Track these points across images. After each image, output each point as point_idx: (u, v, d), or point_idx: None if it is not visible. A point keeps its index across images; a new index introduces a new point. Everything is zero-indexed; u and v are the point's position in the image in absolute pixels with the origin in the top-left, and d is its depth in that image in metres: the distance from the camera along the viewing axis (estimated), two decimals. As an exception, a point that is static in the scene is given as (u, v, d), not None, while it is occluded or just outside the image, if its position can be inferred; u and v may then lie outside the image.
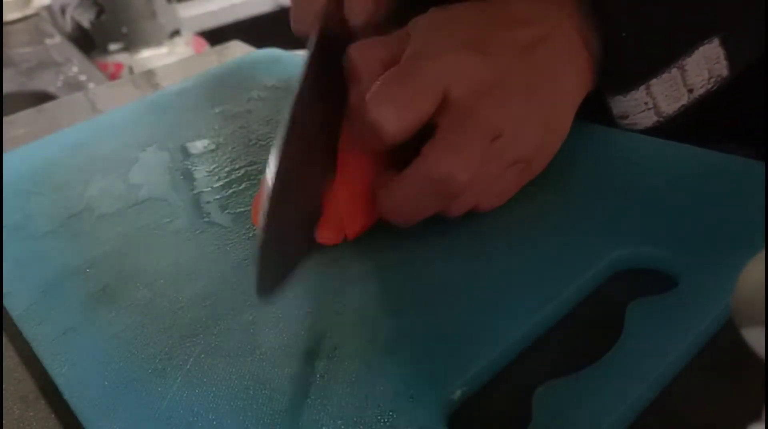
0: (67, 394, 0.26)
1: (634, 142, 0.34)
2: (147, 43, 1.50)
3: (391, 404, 0.23)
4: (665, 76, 0.32)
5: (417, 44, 0.29)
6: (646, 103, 0.32)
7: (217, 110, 0.47)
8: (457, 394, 0.23)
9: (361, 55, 0.30)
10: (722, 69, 0.32)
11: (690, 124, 0.33)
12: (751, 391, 0.22)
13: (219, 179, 0.39)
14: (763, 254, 0.15)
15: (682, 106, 0.33)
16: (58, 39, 1.20)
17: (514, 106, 0.29)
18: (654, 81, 0.32)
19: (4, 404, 0.29)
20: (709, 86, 0.33)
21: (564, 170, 0.32)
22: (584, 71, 0.32)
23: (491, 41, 0.30)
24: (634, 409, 0.22)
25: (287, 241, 0.26)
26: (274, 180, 0.24)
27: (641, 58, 0.31)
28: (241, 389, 0.25)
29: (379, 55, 0.30)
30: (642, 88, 0.32)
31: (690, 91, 0.33)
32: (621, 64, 0.32)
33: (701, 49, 0.31)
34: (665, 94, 0.32)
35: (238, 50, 0.65)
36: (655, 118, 0.33)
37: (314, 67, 0.29)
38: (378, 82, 0.28)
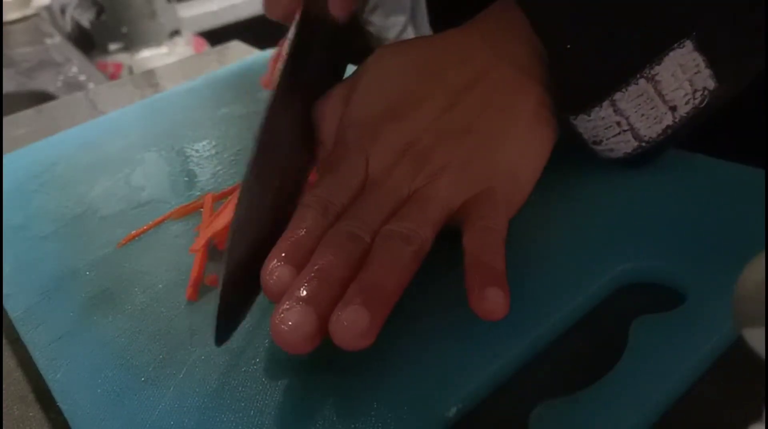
0: (60, 400, 0.26)
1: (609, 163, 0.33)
2: (147, 43, 1.50)
3: (385, 421, 0.23)
4: (632, 88, 0.28)
5: (348, 114, 0.31)
6: (618, 123, 0.29)
7: (223, 111, 0.47)
8: (453, 411, 0.23)
9: (322, 114, 0.32)
10: (706, 80, 0.28)
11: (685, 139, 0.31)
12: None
13: (224, 182, 0.39)
14: (763, 254, 0.15)
15: (668, 127, 0.29)
16: (58, 39, 1.20)
17: (436, 157, 0.29)
18: (618, 95, 0.28)
19: (4, 404, 0.29)
20: (696, 102, 0.29)
21: (567, 183, 0.32)
22: (539, 103, 0.31)
23: (413, 100, 0.31)
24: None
25: (247, 283, 0.26)
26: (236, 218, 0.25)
27: (594, 68, 0.29)
28: (233, 401, 0.24)
29: (338, 111, 0.32)
30: (606, 104, 0.29)
31: (673, 108, 0.29)
32: (571, 78, 0.29)
33: (672, 55, 0.28)
34: (640, 112, 0.29)
35: (238, 50, 0.65)
36: (635, 143, 0.30)
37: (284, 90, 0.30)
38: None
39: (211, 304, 0.29)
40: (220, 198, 0.36)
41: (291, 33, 0.31)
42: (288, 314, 0.23)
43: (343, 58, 0.38)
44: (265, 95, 0.48)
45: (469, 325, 0.26)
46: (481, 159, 0.29)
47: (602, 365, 0.23)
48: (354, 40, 0.38)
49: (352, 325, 0.23)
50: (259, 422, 0.23)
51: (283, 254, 0.25)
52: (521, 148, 0.30)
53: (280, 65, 0.30)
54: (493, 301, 0.24)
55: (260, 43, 0.63)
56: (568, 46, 0.28)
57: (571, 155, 0.32)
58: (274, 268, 0.25)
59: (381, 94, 0.31)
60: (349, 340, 0.23)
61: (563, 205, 0.31)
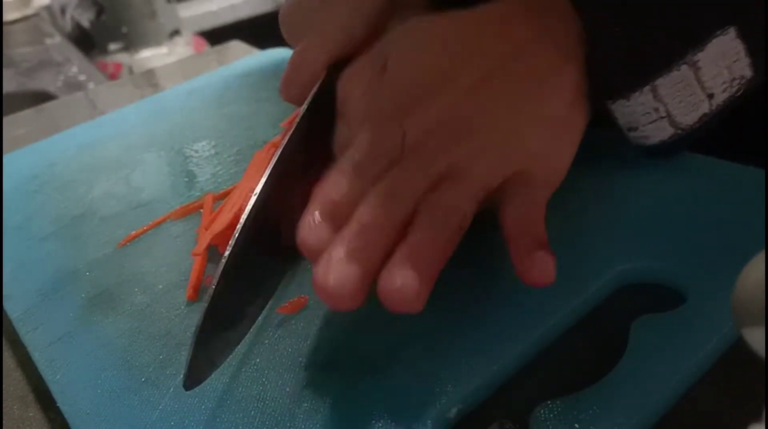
0: (60, 401, 0.26)
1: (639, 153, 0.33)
2: (147, 43, 1.50)
3: (385, 421, 0.23)
4: (674, 74, 0.28)
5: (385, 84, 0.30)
6: (656, 109, 0.29)
7: (222, 111, 0.47)
8: (453, 411, 0.23)
9: (346, 87, 0.31)
10: (744, 68, 0.28)
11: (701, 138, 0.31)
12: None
13: (224, 182, 0.39)
14: (763, 254, 0.15)
15: (704, 115, 0.29)
16: (58, 39, 1.20)
17: (474, 133, 0.28)
18: (660, 81, 0.28)
19: (4, 404, 0.29)
20: (733, 90, 0.28)
21: (567, 182, 0.32)
22: (574, 86, 0.30)
23: (450, 75, 0.29)
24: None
25: (230, 325, 0.26)
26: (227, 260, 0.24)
27: (638, 52, 0.28)
28: (233, 402, 0.24)
29: (361, 87, 0.31)
30: (646, 89, 0.28)
31: (710, 96, 0.28)
32: (614, 62, 0.28)
33: (715, 41, 0.27)
34: (678, 98, 0.28)
35: (238, 50, 0.65)
36: (671, 130, 0.29)
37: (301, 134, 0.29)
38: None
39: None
40: (220, 198, 0.36)
41: (302, 110, 0.31)
42: (333, 268, 0.22)
43: None
44: (265, 96, 0.48)
45: (469, 325, 0.26)
46: (519, 137, 0.29)
47: (602, 365, 0.23)
48: None
49: (404, 288, 0.22)
50: (260, 423, 0.23)
51: (320, 212, 0.25)
52: (559, 130, 0.29)
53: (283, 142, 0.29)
54: (541, 266, 0.24)
55: (260, 43, 0.63)
56: (615, 28, 0.28)
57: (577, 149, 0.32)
58: (313, 225, 0.24)
59: (417, 67, 0.30)
60: (400, 303, 0.22)
61: (563, 205, 0.31)
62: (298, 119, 0.30)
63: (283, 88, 0.34)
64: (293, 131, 0.29)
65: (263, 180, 0.27)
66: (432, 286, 0.24)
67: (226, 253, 0.25)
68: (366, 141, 0.28)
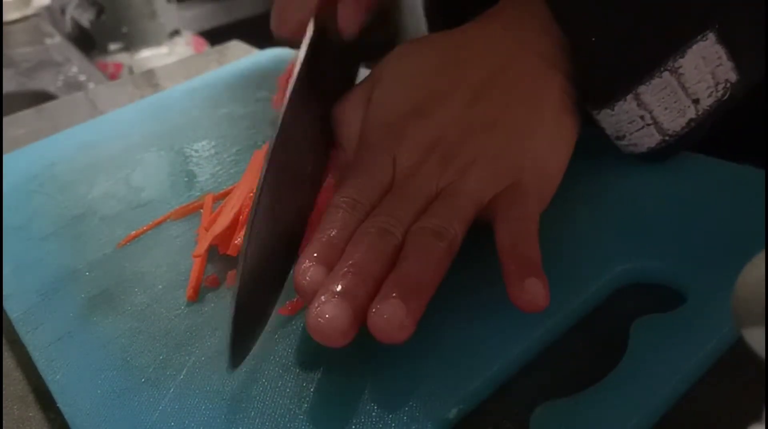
0: (60, 401, 0.26)
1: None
2: (147, 43, 1.50)
3: (386, 422, 0.23)
4: (656, 81, 0.28)
5: (372, 112, 0.31)
6: (641, 117, 0.29)
7: (222, 111, 0.47)
8: (453, 412, 0.23)
9: (342, 117, 0.32)
10: (728, 72, 0.29)
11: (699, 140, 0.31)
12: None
13: (223, 182, 0.38)
14: (763, 254, 0.15)
15: (691, 120, 0.29)
16: (57, 39, 1.20)
17: (464, 153, 0.29)
18: (642, 88, 0.29)
19: (4, 404, 0.29)
20: (719, 95, 0.29)
21: (566, 183, 0.32)
22: (563, 93, 0.30)
23: (437, 97, 0.30)
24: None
25: (260, 305, 0.27)
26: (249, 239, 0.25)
27: (617, 60, 0.28)
28: (233, 403, 0.24)
29: (359, 113, 0.31)
30: (629, 97, 0.29)
31: (695, 101, 0.29)
32: (595, 71, 0.29)
33: (695, 47, 0.28)
34: (663, 105, 0.29)
35: (238, 50, 0.65)
36: (658, 137, 0.30)
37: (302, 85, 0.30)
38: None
39: (211, 305, 0.30)
40: (220, 198, 0.36)
41: (301, 52, 0.31)
42: (324, 308, 0.23)
43: (354, 68, 0.38)
44: (264, 96, 0.48)
45: (469, 326, 0.26)
46: (509, 152, 0.29)
47: (603, 366, 0.23)
48: (364, 53, 0.38)
49: (391, 318, 0.23)
50: (259, 423, 0.23)
51: (315, 255, 0.26)
52: (549, 139, 0.30)
53: (291, 83, 0.29)
54: (532, 292, 0.24)
55: (260, 43, 0.63)
56: (593, 39, 0.28)
57: (571, 155, 0.32)
58: (307, 269, 0.25)
59: (404, 92, 0.31)
60: (387, 333, 0.23)
61: (563, 206, 0.31)
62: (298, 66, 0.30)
63: (275, 25, 0.35)
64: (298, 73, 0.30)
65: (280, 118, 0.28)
66: (421, 311, 0.24)
67: (255, 195, 0.26)
68: (357, 172, 0.29)
